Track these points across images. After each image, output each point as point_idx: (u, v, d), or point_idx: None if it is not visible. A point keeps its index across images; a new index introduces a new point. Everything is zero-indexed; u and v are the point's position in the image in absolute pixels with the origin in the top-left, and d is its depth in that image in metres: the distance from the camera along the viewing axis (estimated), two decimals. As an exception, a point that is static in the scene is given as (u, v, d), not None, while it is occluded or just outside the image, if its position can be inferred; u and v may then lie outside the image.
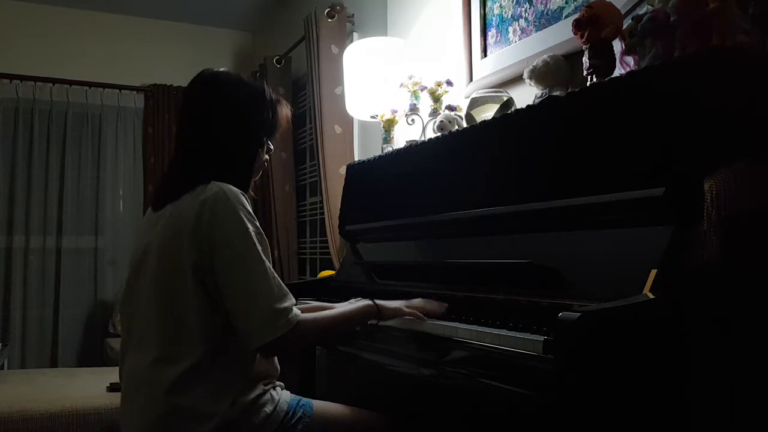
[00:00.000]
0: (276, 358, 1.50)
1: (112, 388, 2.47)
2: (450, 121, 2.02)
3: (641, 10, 1.42)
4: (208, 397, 1.29)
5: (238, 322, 1.29)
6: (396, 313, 1.42)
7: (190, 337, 1.30)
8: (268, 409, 1.38)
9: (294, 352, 1.35)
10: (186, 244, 1.31)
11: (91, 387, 2.56)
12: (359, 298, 1.50)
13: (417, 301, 1.46)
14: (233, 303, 1.29)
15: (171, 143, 4.42)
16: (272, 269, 1.32)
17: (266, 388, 1.42)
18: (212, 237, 1.30)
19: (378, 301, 1.44)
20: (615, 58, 1.44)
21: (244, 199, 1.35)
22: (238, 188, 1.37)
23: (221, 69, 1.51)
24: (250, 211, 1.35)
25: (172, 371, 1.28)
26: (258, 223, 1.36)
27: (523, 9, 2.01)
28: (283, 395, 1.45)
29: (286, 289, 1.32)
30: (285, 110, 1.57)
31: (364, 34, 3.00)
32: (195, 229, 1.30)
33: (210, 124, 1.43)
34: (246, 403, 1.35)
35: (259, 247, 1.32)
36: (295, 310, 1.30)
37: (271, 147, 1.53)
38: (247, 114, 1.46)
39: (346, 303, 1.50)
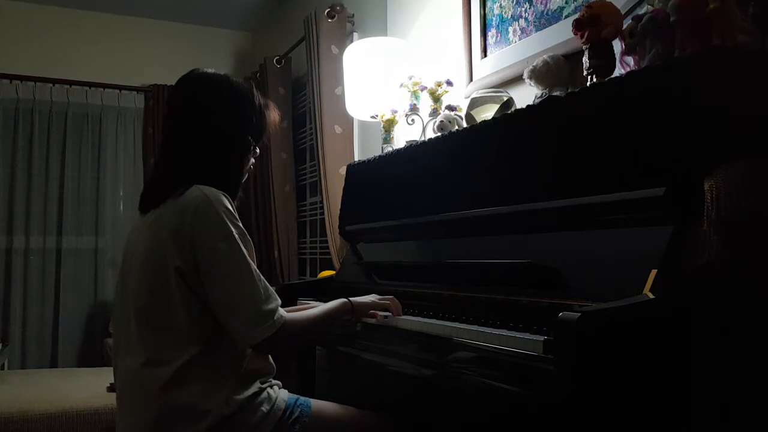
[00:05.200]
0: (270, 356, 1.50)
1: (112, 388, 2.46)
2: (450, 121, 2.02)
3: (641, 10, 1.42)
4: (203, 393, 1.30)
5: (226, 325, 1.31)
6: (369, 307, 1.51)
7: (178, 340, 1.31)
8: (265, 407, 1.38)
9: (282, 350, 1.38)
10: (169, 249, 1.31)
11: (91, 387, 2.56)
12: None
13: (387, 297, 1.55)
14: (220, 306, 1.30)
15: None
16: (257, 271, 1.33)
17: (263, 386, 1.42)
18: (195, 241, 1.30)
19: (352, 299, 1.52)
20: (615, 58, 1.43)
21: (226, 200, 1.34)
22: (227, 192, 1.36)
23: (209, 70, 1.49)
24: (233, 211, 1.35)
25: (165, 371, 1.29)
26: (240, 224, 1.35)
27: (523, 9, 2.01)
28: (280, 394, 1.45)
29: (272, 290, 1.33)
30: (273, 114, 1.55)
31: (364, 34, 3.00)
32: (177, 235, 1.30)
33: (196, 127, 1.41)
34: (242, 401, 1.35)
35: (244, 249, 1.32)
36: (281, 311, 1.32)
37: (257, 151, 1.52)
38: (234, 117, 1.44)
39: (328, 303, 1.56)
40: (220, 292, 1.30)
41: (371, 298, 1.55)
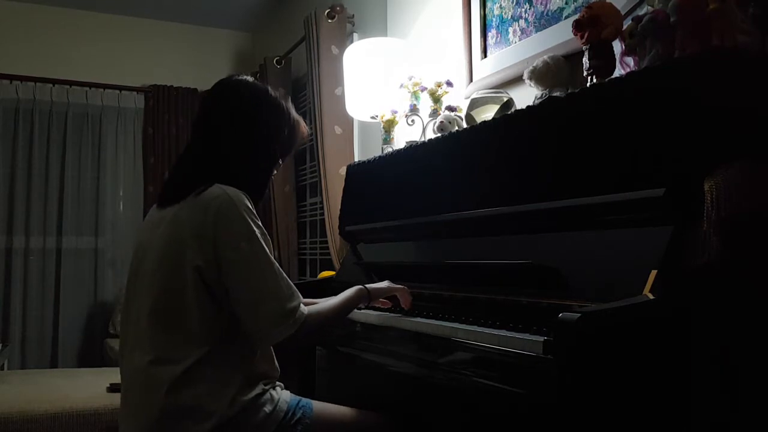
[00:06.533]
0: (275, 359, 1.50)
1: (112, 388, 2.47)
2: (450, 122, 2.02)
3: (641, 11, 1.42)
4: (209, 394, 1.30)
5: (248, 324, 1.32)
6: (385, 292, 1.56)
7: (189, 340, 1.31)
8: (268, 408, 1.38)
9: (299, 344, 1.39)
10: (188, 248, 1.31)
11: (91, 387, 2.56)
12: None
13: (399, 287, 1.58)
14: (242, 305, 1.31)
15: (171, 143, 4.42)
16: (280, 268, 1.34)
17: (266, 387, 1.42)
18: (218, 241, 1.31)
19: (368, 285, 1.53)
20: (615, 59, 1.44)
21: (247, 200, 1.36)
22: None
23: (247, 77, 1.51)
24: (254, 211, 1.37)
25: (172, 370, 1.29)
26: (260, 222, 1.37)
27: (523, 10, 2.01)
28: (282, 395, 1.44)
29: (294, 286, 1.35)
30: (303, 130, 1.58)
31: (364, 35, 3.00)
32: (199, 234, 1.31)
33: (230, 134, 1.43)
34: (245, 402, 1.35)
35: (266, 248, 1.34)
36: (302, 307, 1.34)
37: (281, 163, 1.56)
38: (267, 132, 1.47)
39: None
40: (244, 291, 1.31)
41: (385, 283, 1.58)
